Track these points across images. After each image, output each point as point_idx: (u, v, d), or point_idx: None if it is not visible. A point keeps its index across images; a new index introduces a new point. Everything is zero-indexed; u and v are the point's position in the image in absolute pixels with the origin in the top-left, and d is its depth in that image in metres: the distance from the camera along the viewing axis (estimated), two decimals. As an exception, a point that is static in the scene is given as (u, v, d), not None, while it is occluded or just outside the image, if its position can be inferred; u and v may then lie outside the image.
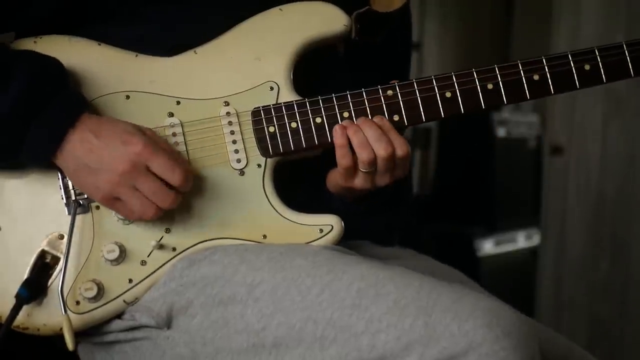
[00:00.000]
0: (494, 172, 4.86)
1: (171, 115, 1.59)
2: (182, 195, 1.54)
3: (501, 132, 4.91)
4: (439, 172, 4.81)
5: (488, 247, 4.79)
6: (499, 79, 1.62)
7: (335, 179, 1.64)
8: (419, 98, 1.62)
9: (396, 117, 1.62)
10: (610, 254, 4.06)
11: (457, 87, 1.62)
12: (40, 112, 1.49)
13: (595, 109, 4.08)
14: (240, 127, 1.60)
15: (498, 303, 1.42)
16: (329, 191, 1.68)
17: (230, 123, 1.60)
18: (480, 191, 4.84)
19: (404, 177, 1.65)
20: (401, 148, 1.59)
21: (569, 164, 4.17)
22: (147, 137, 1.52)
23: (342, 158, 1.59)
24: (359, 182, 1.61)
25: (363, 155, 1.58)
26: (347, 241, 1.63)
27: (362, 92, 1.61)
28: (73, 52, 1.59)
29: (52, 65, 1.54)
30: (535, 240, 4.93)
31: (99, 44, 1.60)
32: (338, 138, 1.59)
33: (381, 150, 1.58)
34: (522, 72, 1.63)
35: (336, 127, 1.59)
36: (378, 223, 1.79)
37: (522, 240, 5.10)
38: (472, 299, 1.40)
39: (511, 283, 4.66)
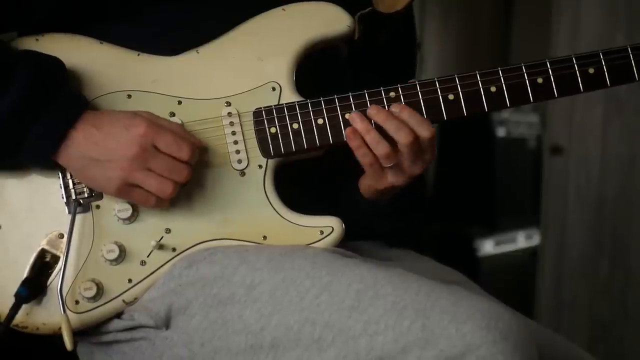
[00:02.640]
0: (494, 172, 4.88)
1: (172, 115, 1.59)
2: (192, 167, 1.54)
3: (501, 132, 4.92)
4: (439, 172, 4.82)
5: (488, 247, 4.81)
6: (503, 82, 1.61)
7: (367, 184, 1.64)
8: (421, 100, 1.61)
9: (398, 119, 1.61)
10: (610, 254, 4.05)
11: (460, 90, 1.61)
12: (40, 113, 1.49)
13: (595, 109, 4.07)
14: (241, 127, 1.60)
15: (497, 305, 1.41)
16: (362, 197, 1.67)
17: (231, 123, 1.60)
18: (481, 191, 4.86)
19: (434, 160, 1.63)
20: (426, 130, 1.58)
21: (569, 164, 4.17)
22: (147, 118, 1.52)
23: (363, 157, 1.59)
24: (391, 178, 1.61)
25: (379, 150, 1.57)
26: (349, 242, 1.63)
27: (364, 93, 1.61)
28: (75, 51, 1.58)
29: (54, 65, 1.53)
30: (535, 240, 4.94)
31: (101, 43, 1.60)
32: (352, 140, 1.58)
33: (403, 139, 1.56)
34: (525, 75, 1.62)
35: (348, 131, 1.58)
36: (399, 223, 1.78)
37: (522, 240, 5.11)
38: (471, 301, 1.40)
39: (511, 283, 4.68)
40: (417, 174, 1.62)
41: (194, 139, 1.56)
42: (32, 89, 1.49)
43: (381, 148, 1.57)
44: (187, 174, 1.53)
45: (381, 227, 1.72)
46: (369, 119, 1.59)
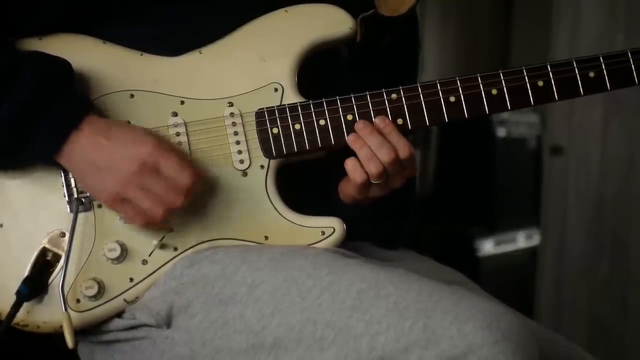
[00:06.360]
0: (494, 172, 4.88)
1: (175, 114, 1.59)
2: (190, 197, 1.53)
3: (501, 132, 4.92)
4: (439, 172, 4.82)
5: (488, 247, 4.81)
6: (504, 85, 1.62)
7: (348, 191, 1.64)
8: (422, 102, 1.61)
9: (400, 121, 1.61)
10: (610, 254, 4.05)
11: (461, 92, 1.61)
12: (46, 113, 1.49)
13: (595, 109, 4.07)
14: (243, 127, 1.60)
15: (498, 306, 1.42)
16: (339, 199, 1.67)
17: (234, 124, 1.60)
18: (481, 191, 4.86)
19: (414, 175, 1.65)
20: (404, 150, 1.59)
21: (568, 164, 4.17)
22: (156, 139, 1.52)
23: (354, 172, 1.59)
24: (374, 191, 1.62)
25: (371, 169, 1.58)
26: (349, 242, 1.63)
27: (366, 95, 1.61)
28: (78, 50, 1.58)
29: (61, 66, 1.54)
30: (535, 240, 4.94)
31: (104, 43, 1.60)
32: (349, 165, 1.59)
33: (385, 157, 1.58)
34: (526, 78, 1.62)
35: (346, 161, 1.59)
36: (385, 227, 1.78)
37: (522, 240, 5.11)
38: (472, 302, 1.40)
39: (511, 283, 4.67)
40: (396, 187, 1.63)
41: (201, 172, 1.56)
42: (39, 89, 1.49)
43: (374, 166, 1.58)
44: (182, 203, 1.52)
45: (365, 229, 1.72)
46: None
